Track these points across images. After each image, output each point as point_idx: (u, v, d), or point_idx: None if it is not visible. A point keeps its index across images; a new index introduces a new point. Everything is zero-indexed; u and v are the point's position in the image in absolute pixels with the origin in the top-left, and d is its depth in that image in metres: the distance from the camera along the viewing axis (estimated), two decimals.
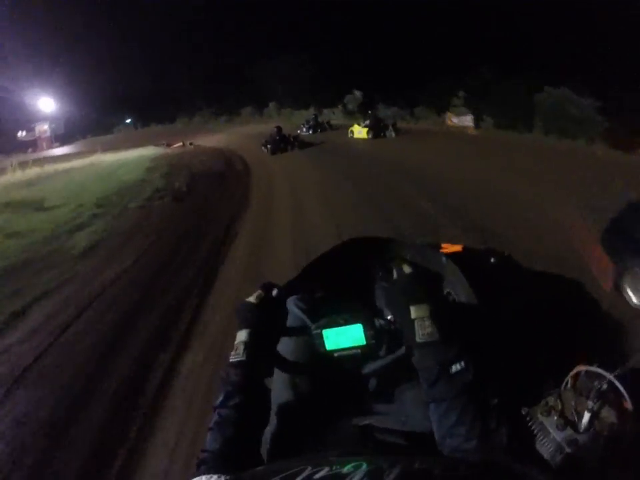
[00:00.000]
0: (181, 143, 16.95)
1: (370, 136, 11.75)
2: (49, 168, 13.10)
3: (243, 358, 0.69)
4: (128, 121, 34.96)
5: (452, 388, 0.59)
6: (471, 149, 9.68)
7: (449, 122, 14.41)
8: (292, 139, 12.29)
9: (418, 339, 0.62)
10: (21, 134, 41.20)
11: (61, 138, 38.85)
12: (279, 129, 12.64)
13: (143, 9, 37.18)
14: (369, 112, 13.62)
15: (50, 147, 37.28)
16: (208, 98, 31.59)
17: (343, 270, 1.39)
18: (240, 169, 10.14)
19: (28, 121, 40.62)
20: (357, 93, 18.75)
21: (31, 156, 24.89)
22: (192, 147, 16.22)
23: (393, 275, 0.72)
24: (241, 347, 0.70)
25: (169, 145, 17.27)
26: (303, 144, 12.18)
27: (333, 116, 18.20)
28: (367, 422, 0.73)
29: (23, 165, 13.43)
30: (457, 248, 1.57)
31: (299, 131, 15.06)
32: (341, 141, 12.69)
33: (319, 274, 1.34)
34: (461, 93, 13.94)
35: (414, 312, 0.64)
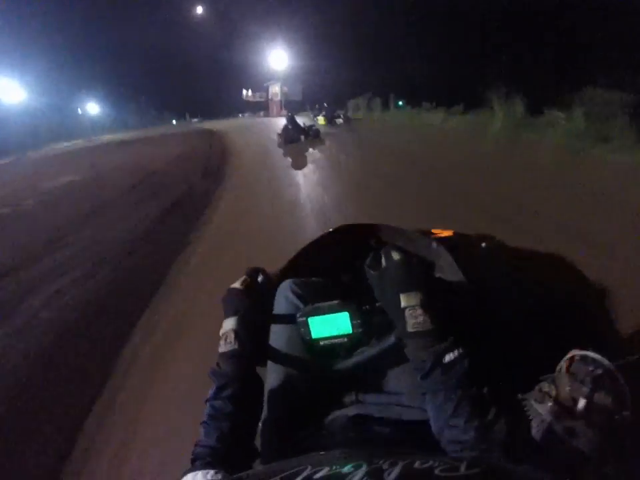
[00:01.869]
0: None
1: (325, 123, 15.88)
2: None
3: (235, 347, 0.65)
4: (400, 103, 21.71)
5: (447, 378, 0.56)
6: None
7: None
8: (306, 129, 11.93)
9: (409, 329, 0.60)
10: (246, 93, 35.07)
11: (293, 105, 28.51)
12: (292, 116, 12.12)
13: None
14: (325, 105, 17.13)
15: (279, 112, 30.20)
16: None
17: (334, 257, 1.36)
18: None
19: (258, 79, 35.00)
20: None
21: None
22: None
23: (381, 263, 0.68)
24: (232, 335, 0.66)
25: None
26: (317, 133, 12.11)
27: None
28: (363, 412, 0.71)
29: None
30: (448, 233, 1.55)
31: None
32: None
33: (310, 261, 1.32)
34: None
35: (404, 300, 0.61)
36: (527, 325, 0.87)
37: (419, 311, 0.60)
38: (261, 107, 36.25)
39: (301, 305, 0.92)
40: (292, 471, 0.40)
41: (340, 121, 15.02)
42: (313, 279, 1.13)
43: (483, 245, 1.33)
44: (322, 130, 12.59)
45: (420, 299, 0.61)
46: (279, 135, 11.82)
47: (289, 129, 11.75)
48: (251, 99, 36.73)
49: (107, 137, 29.45)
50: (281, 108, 31.32)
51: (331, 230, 1.34)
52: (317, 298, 0.83)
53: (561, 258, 1.79)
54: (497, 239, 1.37)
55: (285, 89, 32.96)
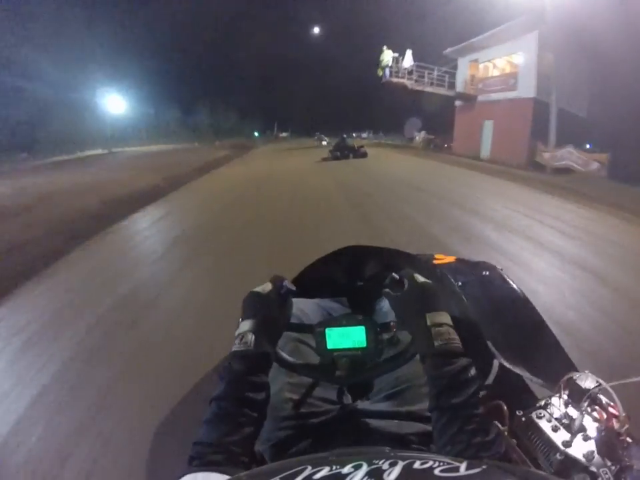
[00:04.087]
0: None
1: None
2: None
3: (251, 347, 0.66)
4: None
5: (460, 396, 0.59)
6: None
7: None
8: (357, 148, 15.70)
9: (436, 345, 0.63)
10: (395, 60, 14.75)
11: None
12: (343, 138, 16.01)
13: None
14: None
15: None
16: None
17: (339, 275, 1.41)
18: None
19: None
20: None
21: None
22: None
23: (404, 284, 0.72)
24: (248, 336, 0.67)
25: None
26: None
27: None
28: (365, 424, 0.74)
29: None
30: (450, 259, 1.61)
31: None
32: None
33: (315, 278, 1.36)
34: None
35: (430, 319, 0.65)
36: (527, 347, 0.91)
37: (444, 330, 0.64)
38: (430, 122, 16.53)
39: (304, 321, 0.96)
40: (292, 470, 0.40)
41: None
42: (316, 299, 1.18)
43: (485, 272, 1.39)
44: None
45: (446, 318, 0.66)
46: (331, 150, 14.80)
47: (340, 147, 14.93)
48: (406, 83, 15.31)
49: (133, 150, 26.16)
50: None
51: (339, 249, 1.39)
52: (318, 317, 0.86)
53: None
54: (498, 267, 1.42)
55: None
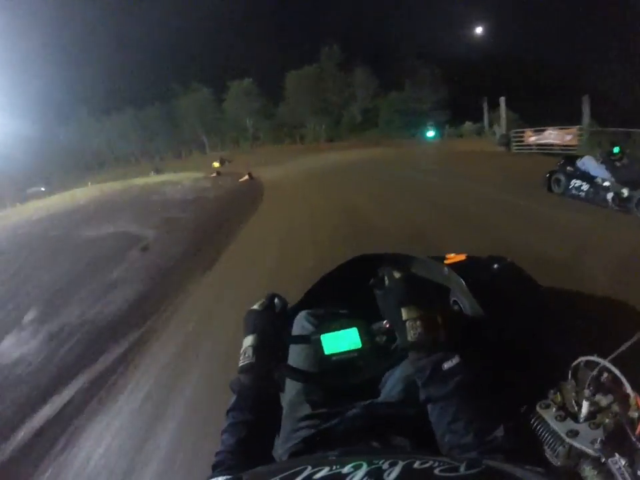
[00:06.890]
0: None
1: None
2: None
3: (252, 360, 0.70)
4: None
5: (446, 385, 0.59)
6: None
7: None
8: None
9: (410, 339, 0.64)
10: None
11: None
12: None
13: None
14: None
15: None
16: None
17: (351, 285, 1.41)
18: None
19: None
20: None
21: None
22: None
23: (385, 282, 0.74)
24: (250, 351, 0.71)
25: None
26: None
27: None
28: (372, 422, 0.73)
29: None
30: (461, 257, 1.57)
31: None
32: None
33: (327, 291, 1.37)
34: None
35: (405, 313, 0.66)
36: (537, 335, 0.87)
37: (418, 323, 0.64)
38: None
39: (308, 332, 0.98)
40: (292, 470, 0.40)
41: None
42: (327, 309, 1.18)
43: (495, 266, 1.36)
44: None
45: (418, 311, 0.66)
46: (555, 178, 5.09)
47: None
48: None
49: None
50: None
51: (346, 261, 1.40)
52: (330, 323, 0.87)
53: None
54: (508, 260, 1.39)
55: None
